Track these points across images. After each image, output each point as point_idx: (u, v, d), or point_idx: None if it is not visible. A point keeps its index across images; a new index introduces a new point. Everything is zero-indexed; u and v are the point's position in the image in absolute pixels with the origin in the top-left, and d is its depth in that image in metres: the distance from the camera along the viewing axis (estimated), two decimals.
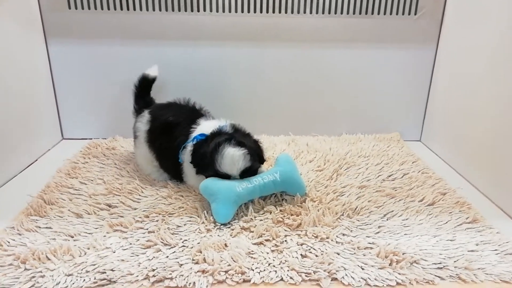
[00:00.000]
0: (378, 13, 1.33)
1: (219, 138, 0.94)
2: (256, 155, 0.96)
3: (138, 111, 1.16)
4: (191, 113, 1.08)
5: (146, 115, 1.11)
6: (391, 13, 1.33)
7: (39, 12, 1.27)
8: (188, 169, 1.01)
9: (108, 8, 1.29)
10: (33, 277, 0.71)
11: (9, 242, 0.80)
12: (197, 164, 0.96)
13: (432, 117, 1.43)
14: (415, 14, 1.33)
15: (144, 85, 1.19)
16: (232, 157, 0.90)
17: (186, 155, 1.00)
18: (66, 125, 1.43)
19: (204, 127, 1.01)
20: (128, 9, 1.29)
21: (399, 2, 1.32)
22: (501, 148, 1.03)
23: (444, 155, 1.33)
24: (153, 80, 1.20)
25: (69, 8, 1.28)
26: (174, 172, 1.08)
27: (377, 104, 1.46)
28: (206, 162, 0.92)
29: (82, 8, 1.28)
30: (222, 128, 0.99)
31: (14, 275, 0.71)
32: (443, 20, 1.34)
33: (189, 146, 0.99)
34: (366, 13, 1.33)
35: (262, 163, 1.01)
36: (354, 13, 1.32)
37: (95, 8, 1.28)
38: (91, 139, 1.39)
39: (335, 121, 1.48)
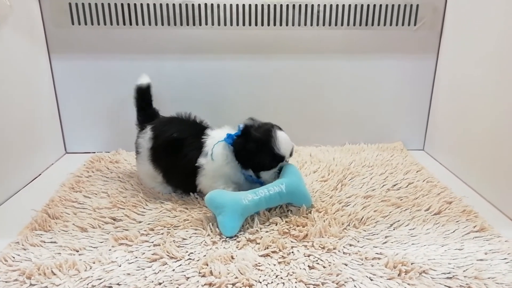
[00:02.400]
0: (378, 25, 1.34)
1: (260, 127, 0.99)
2: None
3: (140, 125, 1.14)
4: (195, 127, 1.07)
5: (148, 132, 1.08)
6: (391, 24, 1.35)
7: (42, 28, 1.29)
8: (210, 170, 1.00)
9: (111, 24, 1.30)
10: None
11: (14, 257, 0.79)
12: (247, 158, 0.99)
13: (434, 126, 1.43)
14: (415, 25, 1.35)
15: (142, 95, 1.16)
16: (286, 138, 0.99)
17: (216, 155, 0.99)
18: (69, 139, 1.43)
19: (219, 134, 1.02)
20: (130, 24, 1.30)
21: (398, 13, 1.33)
22: (505, 156, 1.03)
23: (448, 164, 1.33)
24: (147, 87, 1.15)
25: (72, 24, 1.29)
26: (185, 186, 1.07)
27: (380, 114, 1.46)
28: (264, 146, 0.97)
29: (85, 23, 1.29)
30: (245, 123, 1.01)
31: None
32: (442, 30, 1.35)
33: (220, 146, 0.99)
34: (367, 24, 1.34)
35: None
36: (354, 24, 1.34)
37: (98, 24, 1.30)
38: (94, 152, 1.39)
39: (338, 131, 1.48)
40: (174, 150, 1.03)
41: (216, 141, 1.00)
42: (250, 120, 1.03)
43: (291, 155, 1.03)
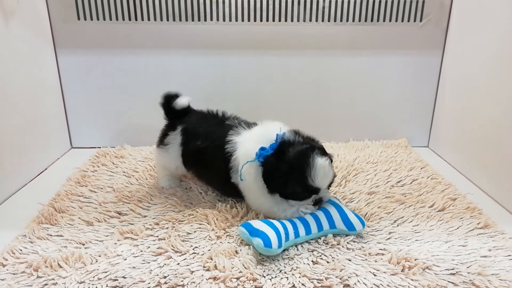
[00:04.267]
0: (384, 20, 1.34)
1: (297, 148, 0.84)
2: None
3: (171, 122, 1.07)
4: (219, 130, 0.97)
5: (178, 137, 1.02)
6: (396, 20, 1.34)
7: (49, 23, 1.29)
8: (250, 190, 0.91)
9: (117, 19, 1.31)
10: (46, 284, 0.72)
11: (21, 250, 0.81)
12: (274, 183, 0.86)
13: (439, 123, 1.43)
14: (421, 21, 1.34)
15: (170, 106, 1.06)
16: (324, 169, 0.82)
17: (247, 175, 0.88)
18: (75, 134, 1.44)
19: (249, 143, 0.90)
20: (136, 19, 1.31)
21: (404, 9, 1.33)
22: (510, 153, 1.02)
23: (452, 161, 1.32)
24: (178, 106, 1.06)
25: (78, 19, 1.30)
26: (223, 192, 1.04)
27: (384, 111, 1.46)
28: (292, 178, 0.82)
29: (91, 19, 1.30)
30: (285, 136, 0.87)
31: (27, 283, 0.72)
32: (448, 26, 1.34)
33: (252, 166, 0.87)
34: (372, 20, 1.34)
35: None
36: (360, 20, 1.34)
37: (104, 19, 1.30)
38: (100, 147, 1.40)
39: (342, 128, 1.48)
40: (204, 158, 0.98)
41: (246, 158, 0.87)
42: (292, 134, 0.88)
43: (329, 186, 0.88)
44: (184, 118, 1.05)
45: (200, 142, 0.97)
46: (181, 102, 1.04)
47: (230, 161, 0.91)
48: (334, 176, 0.87)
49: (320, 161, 0.82)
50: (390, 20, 1.34)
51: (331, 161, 0.87)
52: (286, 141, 0.86)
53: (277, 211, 0.89)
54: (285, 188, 0.85)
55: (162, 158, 1.08)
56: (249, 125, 0.97)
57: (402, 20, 1.34)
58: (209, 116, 1.05)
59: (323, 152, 0.86)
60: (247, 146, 0.89)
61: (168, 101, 1.06)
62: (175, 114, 1.06)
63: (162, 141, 1.06)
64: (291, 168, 0.82)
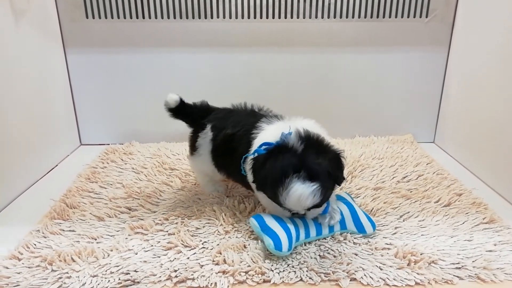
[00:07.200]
0: (390, 17, 1.34)
1: (285, 160, 0.76)
2: (332, 182, 0.79)
3: (198, 126, 1.01)
4: (249, 119, 0.94)
5: (208, 133, 0.98)
6: (402, 16, 1.34)
7: (58, 22, 1.31)
8: (253, 185, 0.88)
9: (125, 17, 1.32)
10: (60, 277, 0.74)
11: (35, 245, 0.83)
12: (258, 182, 0.83)
13: (445, 119, 1.43)
14: (426, 17, 1.34)
15: (176, 111, 1.02)
16: (300, 196, 0.74)
17: (247, 169, 0.86)
18: (84, 131, 1.46)
19: (267, 133, 0.86)
20: (143, 17, 1.32)
21: (410, 5, 1.33)
22: None
23: (458, 156, 1.33)
24: (178, 105, 1.01)
25: (87, 17, 1.32)
26: (239, 178, 0.96)
27: (390, 107, 1.47)
28: (269, 188, 0.79)
29: (100, 17, 1.32)
30: (287, 138, 0.80)
31: (42, 276, 0.74)
32: (454, 22, 1.34)
33: (249, 160, 0.84)
34: (378, 16, 1.34)
35: (340, 185, 0.83)
36: (365, 17, 1.34)
37: (112, 17, 1.32)
38: (108, 144, 1.42)
39: (348, 124, 1.49)
40: (229, 147, 0.93)
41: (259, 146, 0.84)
42: (297, 138, 0.80)
43: (317, 206, 0.79)
44: (208, 117, 1.01)
45: (229, 130, 0.93)
46: (171, 98, 0.99)
47: (250, 146, 0.87)
48: (319, 203, 0.77)
49: (296, 188, 0.74)
50: (395, 16, 1.34)
51: (326, 186, 0.76)
52: (281, 145, 0.80)
53: (276, 207, 0.84)
54: (265, 191, 0.82)
55: (198, 163, 1.03)
56: (284, 118, 0.93)
57: (408, 16, 1.34)
58: (237, 109, 1.02)
59: (312, 175, 0.75)
60: (263, 135, 0.86)
61: (175, 108, 1.01)
62: (197, 116, 1.01)
63: (193, 146, 1.01)
64: (266, 179, 0.79)
